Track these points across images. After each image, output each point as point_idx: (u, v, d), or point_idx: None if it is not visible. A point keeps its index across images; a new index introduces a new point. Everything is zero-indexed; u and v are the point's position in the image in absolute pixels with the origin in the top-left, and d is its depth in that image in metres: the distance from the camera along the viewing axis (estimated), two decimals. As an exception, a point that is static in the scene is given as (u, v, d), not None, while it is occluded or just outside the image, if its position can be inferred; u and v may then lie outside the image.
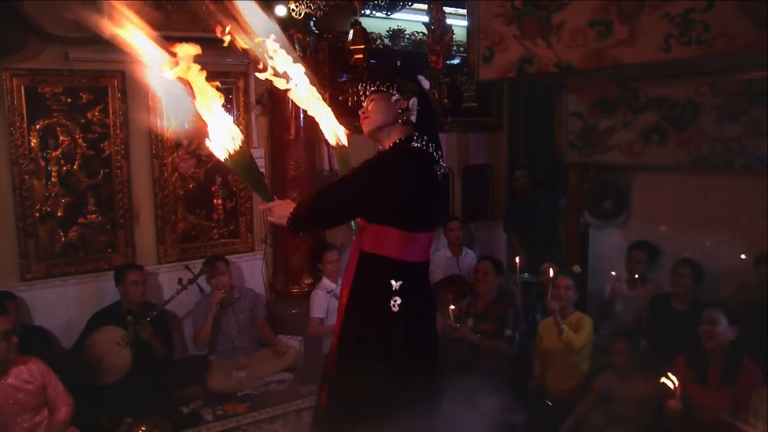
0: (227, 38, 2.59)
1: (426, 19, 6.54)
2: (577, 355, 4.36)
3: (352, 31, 5.60)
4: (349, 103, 6.11)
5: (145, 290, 4.89)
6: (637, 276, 5.05)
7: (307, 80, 2.87)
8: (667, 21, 3.68)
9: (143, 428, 4.19)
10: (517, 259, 5.19)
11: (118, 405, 4.39)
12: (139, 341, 4.58)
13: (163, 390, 4.74)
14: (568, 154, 5.55)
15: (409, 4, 6.38)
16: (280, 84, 2.79)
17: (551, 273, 5.01)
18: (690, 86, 4.67)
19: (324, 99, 2.96)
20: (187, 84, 2.46)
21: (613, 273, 5.09)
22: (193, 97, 2.48)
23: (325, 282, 5.49)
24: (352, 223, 2.95)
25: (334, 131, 3.02)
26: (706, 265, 4.74)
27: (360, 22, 5.63)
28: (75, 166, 5.01)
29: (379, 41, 6.57)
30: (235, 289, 5.31)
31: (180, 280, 5.01)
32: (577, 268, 4.97)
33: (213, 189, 5.64)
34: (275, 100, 5.61)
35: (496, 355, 4.76)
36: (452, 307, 4.77)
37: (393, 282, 2.57)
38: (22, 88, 4.75)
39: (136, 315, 4.63)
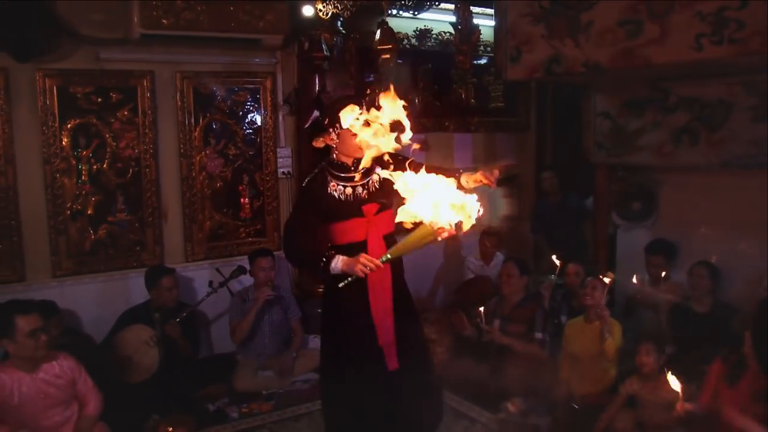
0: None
1: (453, 18, 6.55)
2: (607, 361, 4.31)
3: (379, 31, 5.59)
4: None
5: (178, 293, 4.91)
6: (658, 276, 4.97)
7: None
8: (699, 20, 3.63)
9: (169, 425, 4.21)
10: (557, 262, 5.08)
11: (145, 403, 4.41)
12: (167, 340, 4.61)
13: (189, 388, 4.75)
14: (596, 154, 5.48)
15: (436, 3, 6.37)
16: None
17: (578, 275, 4.97)
18: (722, 86, 4.58)
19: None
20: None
21: (635, 276, 5.03)
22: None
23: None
24: None
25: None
26: (738, 269, 4.65)
27: (387, 22, 5.63)
28: (105, 165, 5.06)
29: (406, 41, 6.55)
30: (275, 288, 5.27)
31: (210, 283, 5.05)
32: (610, 275, 4.88)
33: (240, 188, 5.66)
34: (302, 100, 5.61)
35: (526, 358, 4.73)
36: (481, 308, 4.75)
37: None
38: (55, 88, 4.82)
39: (166, 314, 4.67)
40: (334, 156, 3.34)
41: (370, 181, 3.37)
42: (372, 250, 3.26)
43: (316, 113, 3.33)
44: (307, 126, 3.26)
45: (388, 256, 3.04)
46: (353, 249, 3.22)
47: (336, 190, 3.31)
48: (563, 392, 4.50)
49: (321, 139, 3.34)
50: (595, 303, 4.36)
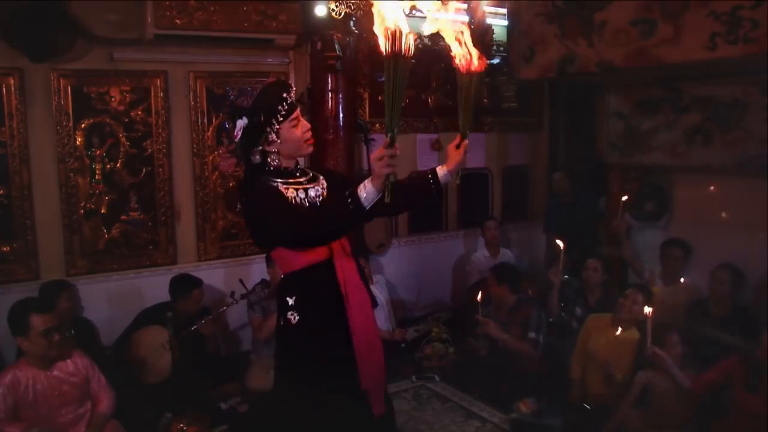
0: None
1: (466, 18, 6.51)
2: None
3: (392, 31, 5.57)
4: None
5: (203, 304, 4.93)
6: (674, 272, 4.92)
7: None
8: (713, 19, 3.62)
9: (182, 424, 4.23)
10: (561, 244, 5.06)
11: (157, 402, 4.41)
12: (183, 342, 4.54)
13: (203, 386, 4.75)
14: (609, 155, 5.47)
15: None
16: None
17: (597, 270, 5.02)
18: (737, 86, 4.55)
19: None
20: None
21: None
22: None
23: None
24: None
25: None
26: (752, 271, 4.59)
27: (400, 22, 5.60)
28: (118, 165, 5.09)
29: (419, 41, 6.53)
30: None
31: (232, 294, 5.02)
32: (656, 290, 4.81)
33: (253, 187, 5.65)
34: (315, 100, 5.61)
35: (521, 357, 4.75)
36: (479, 296, 4.77)
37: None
38: (69, 88, 4.85)
39: (184, 320, 4.64)
40: (274, 165, 2.66)
41: (321, 184, 2.78)
42: (341, 268, 2.71)
43: (242, 121, 2.59)
44: (237, 138, 2.64)
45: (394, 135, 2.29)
46: (317, 271, 2.67)
47: (294, 196, 2.63)
48: (576, 392, 4.50)
49: (259, 148, 2.62)
50: (633, 317, 4.27)
